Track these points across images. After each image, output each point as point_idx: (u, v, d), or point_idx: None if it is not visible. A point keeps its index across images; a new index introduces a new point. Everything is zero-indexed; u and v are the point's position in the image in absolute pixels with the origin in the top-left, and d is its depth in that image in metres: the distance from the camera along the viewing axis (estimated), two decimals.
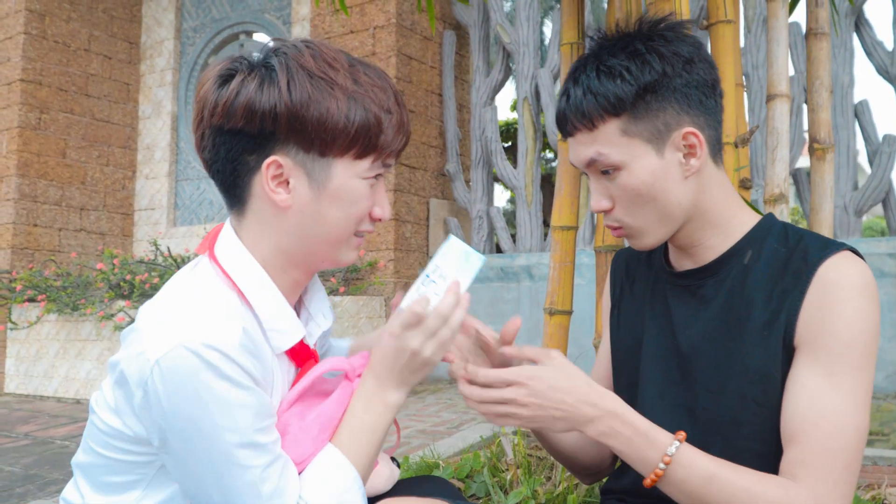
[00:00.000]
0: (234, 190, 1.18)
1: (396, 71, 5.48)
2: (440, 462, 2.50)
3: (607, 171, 1.21)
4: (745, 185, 2.46)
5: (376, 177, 1.19)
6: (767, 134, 2.05)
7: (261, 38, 6.89)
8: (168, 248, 6.03)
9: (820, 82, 2.20)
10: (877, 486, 2.53)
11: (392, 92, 1.19)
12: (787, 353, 1.16)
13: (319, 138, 1.12)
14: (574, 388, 1.15)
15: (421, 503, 1.16)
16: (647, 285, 1.38)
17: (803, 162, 9.19)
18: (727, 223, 1.25)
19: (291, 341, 1.19)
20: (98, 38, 7.00)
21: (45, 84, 6.55)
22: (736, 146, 2.30)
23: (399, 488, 1.39)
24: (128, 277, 5.39)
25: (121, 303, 5.27)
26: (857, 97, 4.88)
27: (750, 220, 1.26)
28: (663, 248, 1.37)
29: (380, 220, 1.23)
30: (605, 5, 2.47)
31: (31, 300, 5.85)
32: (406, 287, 5.55)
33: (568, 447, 1.47)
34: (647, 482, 1.12)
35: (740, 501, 1.07)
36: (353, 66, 1.16)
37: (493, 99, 5.97)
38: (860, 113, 4.86)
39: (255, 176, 1.14)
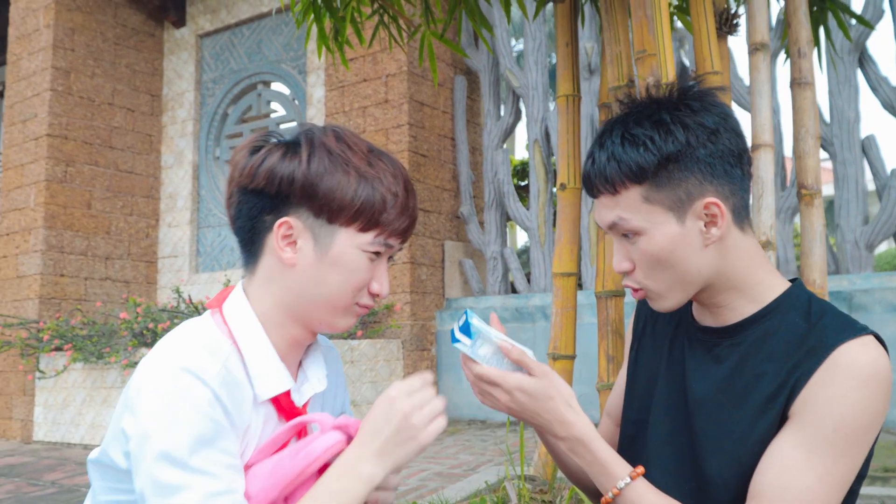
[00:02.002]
0: (251, 246, 1.29)
1: (409, 117, 5.61)
2: None
3: (628, 235, 1.23)
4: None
5: (377, 253, 1.27)
6: (753, 183, 2.12)
7: (278, 87, 7.05)
8: (189, 295, 6.16)
9: (805, 130, 2.27)
10: None
11: (402, 180, 1.28)
12: (781, 423, 1.18)
13: (328, 206, 1.23)
14: (551, 409, 1.21)
15: None
16: (670, 328, 1.40)
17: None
18: (752, 288, 1.26)
19: (276, 389, 1.26)
20: (121, 92, 7.20)
21: (71, 138, 6.75)
22: None
23: None
24: (150, 325, 5.51)
25: (144, 350, 5.39)
26: (864, 132, 4.92)
27: (778, 286, 1.27)
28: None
29: (378, 295, 1.31)
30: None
31: (58, 349, 5.98)
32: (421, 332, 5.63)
33: (576, 468, 1.50)
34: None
35: None
36: (371, 152, 1.28)
37: (504, 142, 6.08)
38: (867, 148, 4.91)
39: (269, 234, 1.25)
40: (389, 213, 1.26)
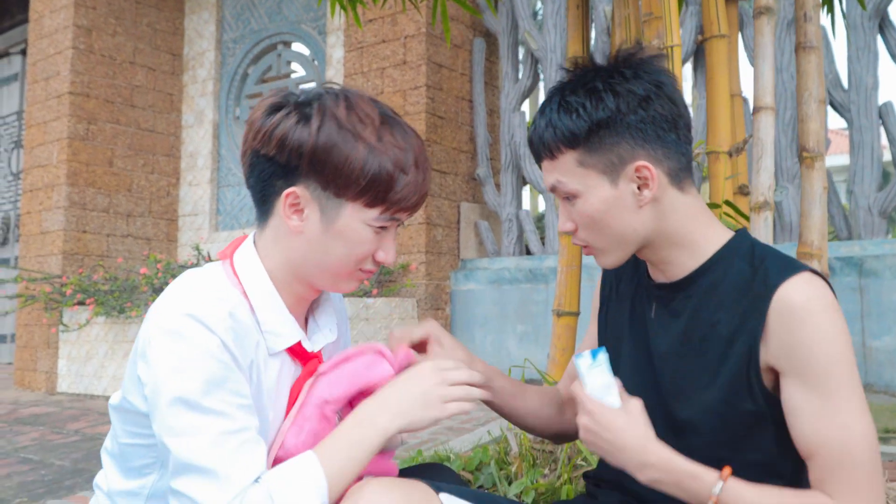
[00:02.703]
0: (262, 205, 1.33)
1: (427, 78, 5.63)
2: (451, 456, 2.64)
3: (568, 197, 1.31)
4: (742, 191, 2.57)
5: (383, 227, 1.31)
6: (753, 145, 2.15)
7: (298, 47, 7.08)
8: (209, 252, 6.26)
9: (809, 94, 2.30)
10: None
11: (413, 154, 1.30)
12: (753, 371, 1.24)
13: (335, 181, 1.25)
14: (620, 432, 1.26)
15: (395, 481, 1.23)
16: (631, 289, 1.47)
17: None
18: (695, 243, 1.32)
19: (286, 343, 1.32)
20: (142, 51, 7.26)
21: (93, 96, 6.83)
22: (730, 155, 2.42)
23: (409, 473, 1.51)
24: (170, 281, 5.61)
25: None
26: (883, 99, 4.90)
27: (720, 238, 1.33)
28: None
29: (383, 263, 1.36)
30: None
31: (81, 303, 6.12)
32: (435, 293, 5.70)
33: (522, 415, 1.61)
34: None
35: None
36: (384, 124, 1.29)
37: (521, 104, 6.09)
38: (885, 114, 4.89)
39: (278, 198, 1.29)
40: (398, 189, 1.28)
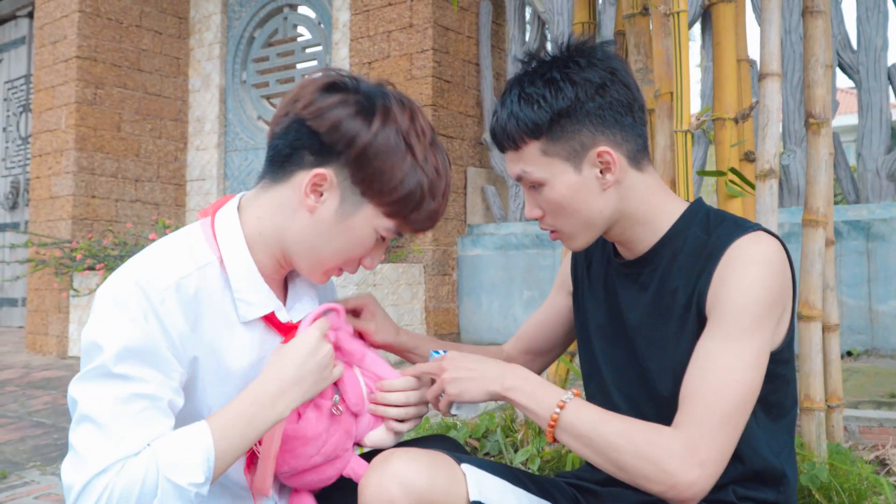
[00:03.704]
0: (278, 168, 1.32)
1: (433, 42, 5.60)
2: (457, 424, 2.67)
3: (535, 186, 1.36)
4: (748, 157, 2.56)
5: (384, 237, 1.33)
6: (759, 112, 2.14)
7: (304, 10, 7.02)
8: None
9: (815, 59, 2.28)
10: (881, 447, 2.64)
11: (445, 182, 1.34)
12: (702, 328, 1.27)
13: (370, 182, 1.27)
14: (480, 358, 1.35)
15: (420, 452, 1.26)
16: (602, 269, 1.52)
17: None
18: (655, 219, 1.37)
19: (258, 312, 1.32)
20: (149, 14, 7.23)
21: (100, 60, 6.81)
22: (736, 122, 2.40)
23: (404, 446, 1.54)
24: None
25: None
26: (891, 60, 4.85)
27: (677, 210, 1.39)
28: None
29: (365, 268, 1.38)
30: None
31: (91, 268, 6.16)
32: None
33: None
34: (548, 432, 1.25)
35: (620, 442, 1.18)
36: (432, 144, 1.32)
37: None
38: (894, 76, 4.85)
39: (301, 171, 1.29)
40: (421, 212, 1.31)
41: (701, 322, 1.28)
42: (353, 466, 1.40)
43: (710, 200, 6.01)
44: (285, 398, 1.26)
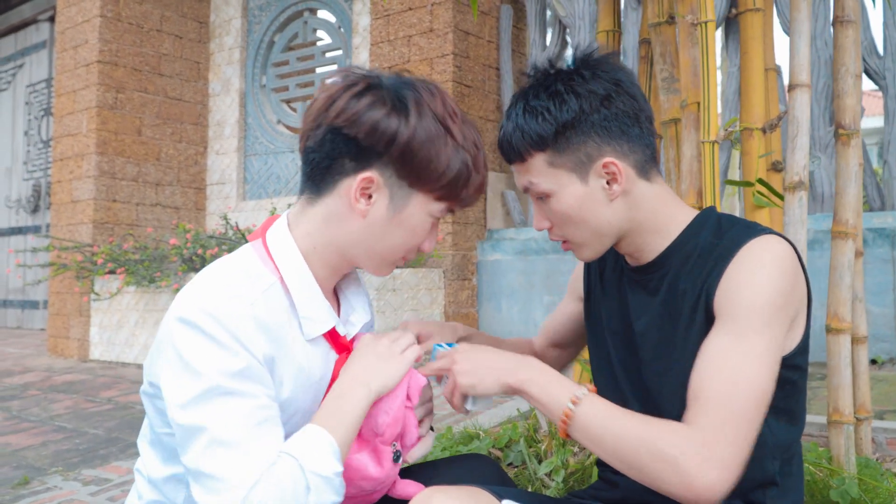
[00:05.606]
0: (319, 181, 1.32)
1: (454, 46, 5.59)
2: (480, 433, 2.66)
3: (542, 197, 1.36)
4: (776, 167, 2.54)
5: (439, 218, 1.35)
6: (788, 123, 2.12)
7: (324, 14, 7.04)
8: (237, 222, 6.30)
9: (846, 69, 2.25)
10: None
11: (484, 155, 1.35)
12: (709, 327, 1.27)
13: (418, 174, 1.27)
14: (493, 350, 1.35)
15: (461, 490, 1.24)
16: (615, 276, 1.52)
17: None
18: (665, 226, 1.37)
19: (322, 328, 1.33)
20: (169, 19, 7.26)
21: (121, 65, 6.84)
22: (764, 132, 2.38)
23: (442, 466, 1.55)
24: (199, 251, 5.67)
25: (193, 275, 5.54)
26: None
27: (687, 217, 1.39)
28: None
29: (425, 252, 1.40)
30: None
31: (112, 272, 6.19)
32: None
33: None
34: (560, 427, 1.23)
35: (635, 442, 1.16)
36: (464, 122, 1.33)
37: None
38: None
39: (345, 178, 1.29)
40: (469, 188, 1.33)
41: (708, 321, 1.27)
42: (403, 486, 1.44)
43: (732, 206, 5.94)
44: (361, 388, 1.29)
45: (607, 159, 1.31)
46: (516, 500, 1.30)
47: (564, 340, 1.77)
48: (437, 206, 1.32)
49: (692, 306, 1.30)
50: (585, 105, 1.30)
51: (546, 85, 1.33)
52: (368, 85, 1.29)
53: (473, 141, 1.32)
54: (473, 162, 1.31)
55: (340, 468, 1.19)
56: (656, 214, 1.37)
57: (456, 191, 1.31)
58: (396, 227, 1.31)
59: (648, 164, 1.36)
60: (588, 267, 1.62)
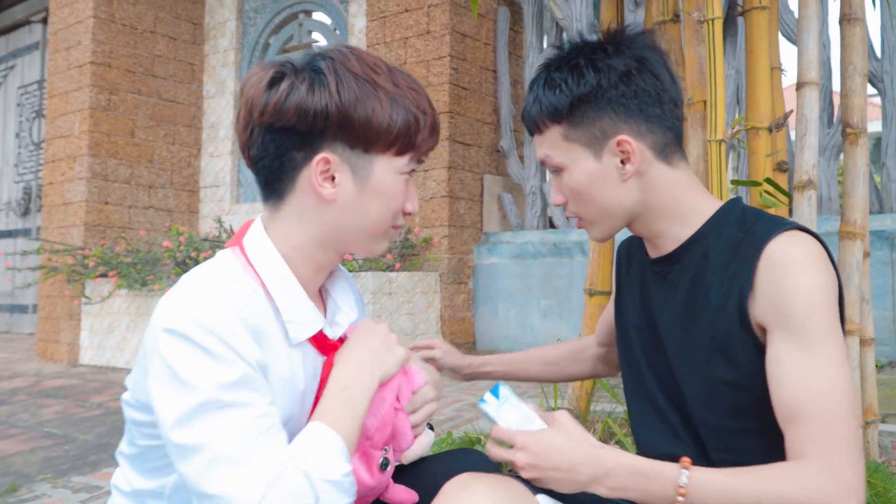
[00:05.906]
0: (276, 184, 1.27)
1: (450, 48, 5.55)
2: (481, 437, 2.61)
3: (556, 170, 1.35)
4: (781, 167, 2.50)
5: (410, 173, 1.30)
6: (797, 121, 2.08)
7: (320, 16, 7.00)
8: (230, 225, 6.24)
9: (853, 68, 2.22)
10: None
11: (425, 95, 1.30)
12: (747, 332, 1.23)
13: (365, 136, 1.22)
14: (562, 445, 1.18)
15: (498, 480, 1.20)
16: (639, 269, 1.49)
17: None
18: (685, 215, 1.34)
19: (309, 332, 1.28)
20: (163, 20, 7.20)
21: (114, 66, 6.78)
22: (770, 131, 2.34)
23: (434, 461, 1.50)
24: (192, 255, 5.60)
25: None
26: None
27: (711, 208, 1.34)
28: None
29: (410, 213, 1.34)
30: None
31: (103, 275, 6.12)
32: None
33: (527, 379, 1.82)
34: None
35: (763, 500, 1.08)
36: (391, 71, 1.28)
37: None
38: None
39: (301, 171, 1.24)
40: (423, 132, 1.28)
41: (744, 328, 1.22)
42: (395, 491, 1.40)
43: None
44: (364, 374, 1.26)
45: (622, 137, 1.28)
46: (550, 496, 1.25)
47: (608, 339, 1.76)
48: (402, 162, 1.27)
49: (719, 302, 1.26)
50: (603, 80, 1.28)
51: (569, 58, 1.32)
52: (278, 72, 1.24)
53: (408, 85, 1.27)
54: (416, 104, 1.26)
55: (349, 467, 1.15)
56: (674, 201, 1.33)
57: (410, 138, 1.26)
58: (371, 198, 1.26)
59: (670, 147, 1.33)
60: (619, 262, 1.60)
